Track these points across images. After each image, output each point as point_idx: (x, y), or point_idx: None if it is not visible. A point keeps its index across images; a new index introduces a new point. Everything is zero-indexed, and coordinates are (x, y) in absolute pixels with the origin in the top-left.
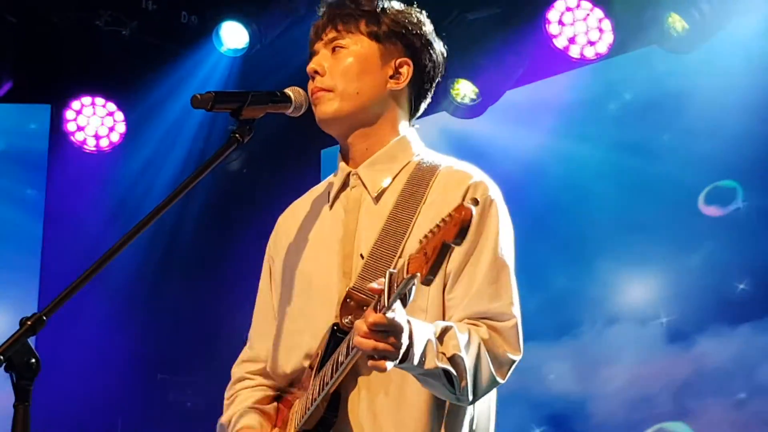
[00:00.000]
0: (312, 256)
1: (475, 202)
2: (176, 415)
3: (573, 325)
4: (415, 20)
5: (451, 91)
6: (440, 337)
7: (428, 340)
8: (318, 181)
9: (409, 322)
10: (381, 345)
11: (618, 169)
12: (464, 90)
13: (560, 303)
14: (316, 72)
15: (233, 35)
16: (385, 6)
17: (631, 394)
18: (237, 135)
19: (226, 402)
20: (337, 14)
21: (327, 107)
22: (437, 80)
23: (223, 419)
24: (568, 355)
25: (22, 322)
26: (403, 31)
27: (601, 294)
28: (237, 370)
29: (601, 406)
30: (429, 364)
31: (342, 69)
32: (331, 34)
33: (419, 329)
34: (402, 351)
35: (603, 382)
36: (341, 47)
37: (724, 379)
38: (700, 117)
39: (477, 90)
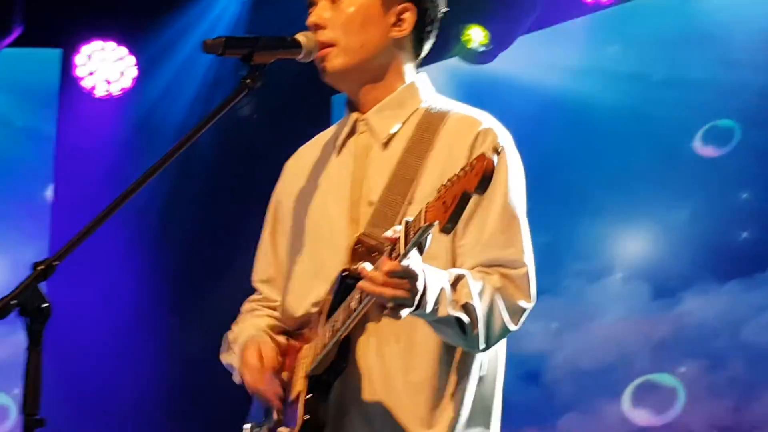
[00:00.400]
0: (320, 203)
1: (497, 151)
2: (185, 358)
3: (557, 279)
4: None
5: (462, 37)
6: (453, 285)
7: (442, 288)
8: (328, 126)
9: (423, 270)
10: (398, 293)
11: (620, 116)
12: (475, 36)
13: (545, 256)
14: (317, 25)
15: None
16: None
17: (613, 351)
18: (247, 81)
19: (234, 325)
20: None
21: (333, 63)
22: (440, 19)
23: (230, 335)
24: (549, 311)
25: (34, 266)
26: None
27: (587, 248)
28: (247, 305)
29: (581, 363)
30: (442, 312)
31: (343, 21)
32: None
33: (433, 277)
34: (417, 298)
35: (584, 338)
36: None
37: (708, 337)
38: (704, 58)
39: (489, 36)
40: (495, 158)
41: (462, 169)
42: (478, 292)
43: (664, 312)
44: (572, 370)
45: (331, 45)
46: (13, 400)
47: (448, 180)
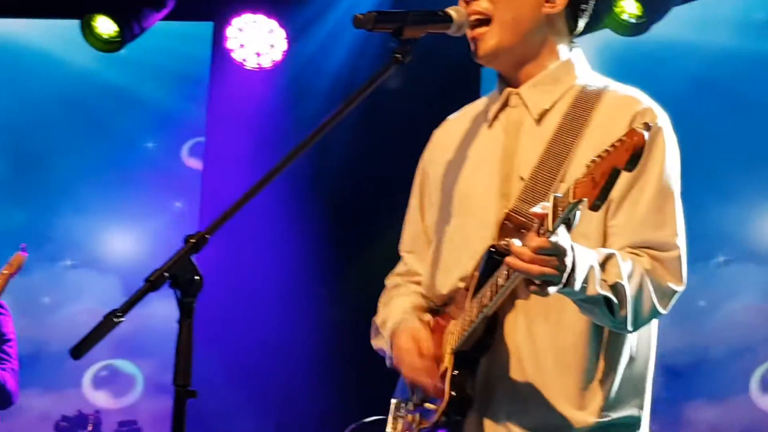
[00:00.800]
0: (469, 176)
1: (647, 127)
2: (333, 328)
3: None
4: None
5: (615, 8)
6: (602, 264)
7: (591, 266)
8: (477, 96)
9: (572, 247)
10: (546, 270)
11: None
12: (629, 7)
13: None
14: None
15: None
16: None
17: (740, 336)
18: (398, 55)
19: (380, 305)
20: None
21: (487, 44)
22: None
23: (378, 319)
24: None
25: (186, 240)
26: None
27: (728, 229)
28: (392, 279)
29: (708, 349)
30: (591, 291)
31: None
32: None
33: (582, 255)
34: (565, 276)
35: (712, 323)
36: None
37: None
38: None
39: (642, 7)
40: (646, 134)
41: (612, 144)
42: (627, 272)
43: None
44: (699, 357)
45: (483, 16)
46: (139, 370)
47: (598, 156)
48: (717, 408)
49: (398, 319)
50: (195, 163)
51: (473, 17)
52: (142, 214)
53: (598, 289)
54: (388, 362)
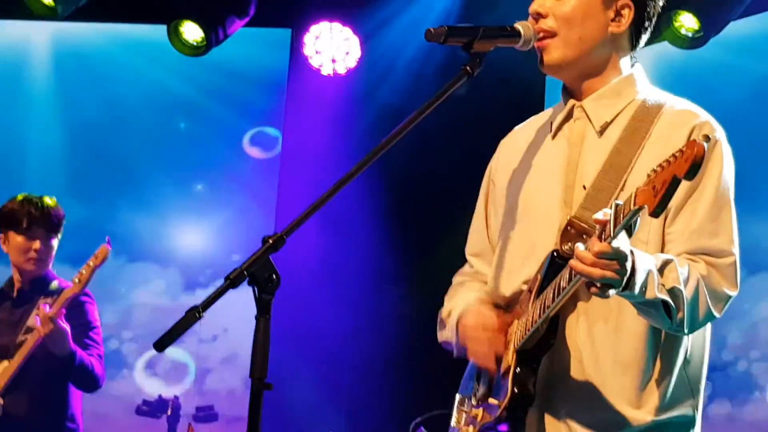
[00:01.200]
0: (534, 184)
1: (707, 138)
2: (401, 323)
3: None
4: None
5: (673, 22)
6: (661, 269)
7: (649, 271)
8: (541, 109)
9: (632, 252)
10: (608, 273)
11: None
12: (686, 21)
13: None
14: (538, 14)
15: None
16: None
17: None
18: (468, 68)
19: (446, 299)
20: None
21: (552, 55)
22: (657, 14)
23: (443, 312)
24: None
25: (264, 240)
26: None
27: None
28: (458, 278)
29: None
30: (649, 294)
31: (565, 13)
32: None
33: (642, 260)
34: (625, 279)
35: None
36: None
37: None
38: None
39: (700, 21)
40: (705, 145)
41: (672, 154)
42: (684, 278)
43: None
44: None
45: (551, 34)
46: (191, 357)
47: (659, 165)
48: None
49: (464, 306)
50: (256, 153)
51: (541, 34)
52: (210, 209)
53: (656, 293)
54: (454, 352)
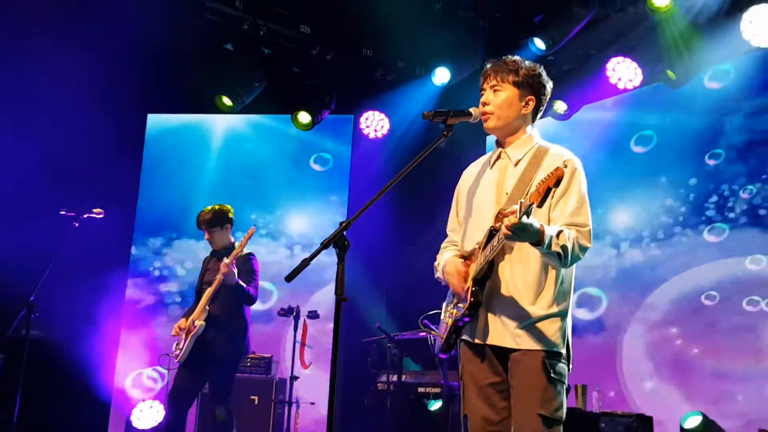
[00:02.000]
0: (481, 193)
1: (564, 165)
2: (414, 268)
3: None
4: (537, 73)
5: (553, 106)
6: (557, 234)
7: (551, 236)
8: (484, 153)
9: (542, 225)
10: (514, 235)
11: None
12: (559, 106)
13: None
14: (484, 103)
15: (441, 75)
16: (521, 66)
17: None
18: (444, 132)
19: (438, 256)
20: (497, 70)
21: (490, 123)
22: (546, 103)
23: (436, 264)
24: None
25: (340, 224)
26: (530, 81)
27: None
28: (443, 245)
29: None
30: (554, 248)
31: (499, 103)
32: (493, 82)
33: (548, 229)
34: (534, 239)
35: None
36: (498, 90)
37: None
38: None
39: (566, 105)
40: (564, 169)
41: (547, 175)
42: (569, 239)
43: None
44: None
45: (490, 114)
46: (275, 288)
47: (541, 181)
48: None
49: (446, 260)
50: (318, 167)
51: (485, 113)
52: (310, 205)
53: (554, 248)
54: (442, 283)
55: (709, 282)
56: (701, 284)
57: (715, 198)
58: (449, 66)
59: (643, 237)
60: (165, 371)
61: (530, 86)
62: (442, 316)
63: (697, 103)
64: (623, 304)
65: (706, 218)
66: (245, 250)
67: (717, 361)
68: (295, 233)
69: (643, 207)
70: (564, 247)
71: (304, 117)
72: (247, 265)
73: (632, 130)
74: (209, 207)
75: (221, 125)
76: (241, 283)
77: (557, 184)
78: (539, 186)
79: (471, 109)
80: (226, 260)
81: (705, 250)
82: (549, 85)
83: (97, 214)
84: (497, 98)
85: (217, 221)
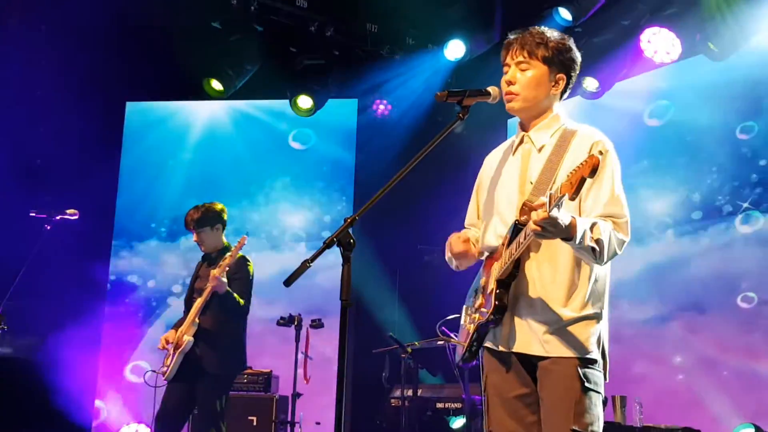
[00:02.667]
0: (504, 182)
1: (600, 153)
2: (428, 269)
3: None
4: (568, 47)
5: (583, 84)
6: (591, 228)
7: (585, 230)
8: (505, 139)
9: (573, 218)
10: (545, 232)
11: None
12: (589, 83)
13: None
14: (510, 82)
15: (455, 49)
16: (551, 39)
17: None
18: (460, 114)
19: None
20: (524, 43)
21: (514, 104)
22: (575, 79)
23: (447, 256)
24: None
25: (345, 220)
26: (561, 56)
27: None
28: None
29: None
30: (586, 243)
31: (526, 83)
32: (519, 57)
33: (580, 222)
34: (565, 234)
35: None
36: (525, 67)
37: None
38: None
39: (597, 81)
40: (600, 157)
41: (581, 162)
42: (605, 232)
43: None
44: None
45: (515, 95)
46: (272, 294)
47: (573, 169)
48: None
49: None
50: (298, 146)
51: (509, 93)
52: (316, 202)
53: (588, 242)
54: (453, 266)
55: (746, 281)
56: (737, 283)
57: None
58: (464, 39)
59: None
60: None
61: (561, 62)
62: (462, 321)
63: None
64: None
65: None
66: (239, 254)
67: None
68: (293, 230)
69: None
70: (599, 242)
71: (304, 102)
72: (242, 271)
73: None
74: (198, 205)
75: (210, 112)
76: (231, 292)
77: (593, 173)
78: (571, 176)
79: (489, 88)
80: (215, 271)
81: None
82: (579, 59)
83: (71, 215)
84: (524, 77)
85: (206, 221)
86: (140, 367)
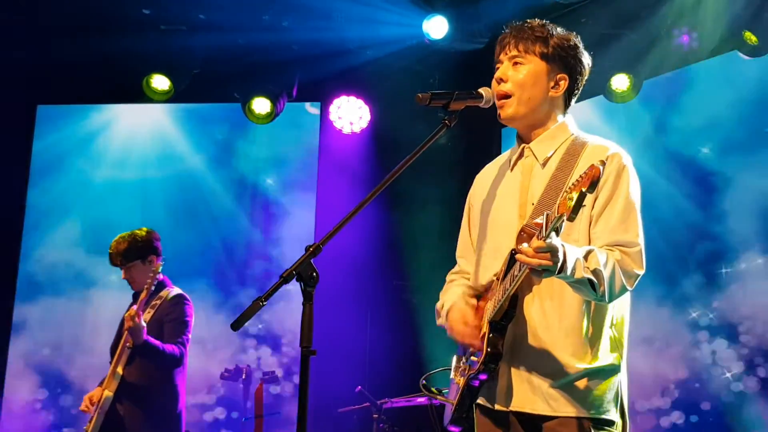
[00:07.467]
0: (499, 205)
1: (602, 162)
2: (407, 310)
3: None
4: (573, 44)
5: (610, 83)
6: (585, 256)
7: (577, 258)
8: (499, 152)
9: (563, 245)
10: (543, 262)
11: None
12: (620, 83)
13: None
14: (500, 79)
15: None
16: (552, 33)
17: None
18: (446, 121)
19: (441, 294)
20: (520, 37)
21: (508, 111)
22: (582, 84)
23: (438, 305)
24: None
25: (306, 248)
26: (563, 54)
27: None
28: (449, 276)
29: None
30: (578, 274)
31: (520, 80)
32: (513, 52)
33: (571, 251)
34: (558, 265)
35: None
36: (520, 63)
37: None
38: None
39: (631, 80)
40: (601, 168)
41: (580, 175)
42: (603, 261)
43: None
44: None
45: (507, 96)
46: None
47: (572, 184)
48: None
49: (452, 302)
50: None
51: (500, 95)
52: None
53: (583, 273)
54: (448, 334)
55: None
56: None
57: None
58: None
59: None
60: None
61: (562, 61)
62: (452, 375)
63: None
64: None
65: None
66: (175, 291)
67: None
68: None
69: None
70: (597, 273)
71: (261, 106)
72: (177, 311)
73: None
74: (123, 235)
75: (144, 118)
76: (151, 341)
77: (592, 187)
78: (571, 191)
79: (481, 90)
80: (134, 308)
81: None
82: (587, 62)
83: None
84: (518, 73)
85: (134, 253)
86: None
